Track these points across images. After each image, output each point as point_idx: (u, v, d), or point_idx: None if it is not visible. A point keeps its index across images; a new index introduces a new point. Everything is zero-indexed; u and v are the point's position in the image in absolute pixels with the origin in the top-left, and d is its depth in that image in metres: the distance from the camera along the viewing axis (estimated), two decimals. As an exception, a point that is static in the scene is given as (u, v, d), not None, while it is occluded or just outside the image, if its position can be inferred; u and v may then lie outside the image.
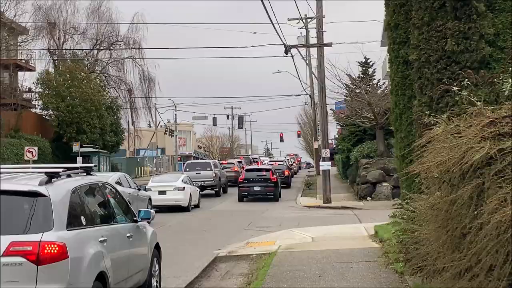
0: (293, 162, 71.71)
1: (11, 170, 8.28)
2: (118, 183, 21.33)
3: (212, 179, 38.29)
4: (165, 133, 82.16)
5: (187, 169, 39.80)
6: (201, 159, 71.90)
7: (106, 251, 7.46)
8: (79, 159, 41.83)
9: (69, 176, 7.80)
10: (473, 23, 10.26)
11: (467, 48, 10.28)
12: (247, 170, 36.19)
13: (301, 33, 53.12)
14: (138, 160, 70.80)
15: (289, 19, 49.34)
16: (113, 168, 49.51)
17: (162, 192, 27.58)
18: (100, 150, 46.95)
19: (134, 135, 66.29)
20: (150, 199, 24.97)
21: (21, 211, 6.77)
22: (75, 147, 43.05)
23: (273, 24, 26.08)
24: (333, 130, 66.36)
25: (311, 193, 37.85)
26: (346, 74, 37.18)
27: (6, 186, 6.89)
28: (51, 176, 7.21)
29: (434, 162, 5.22)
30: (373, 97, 35.09)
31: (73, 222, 7.05)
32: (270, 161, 56.48)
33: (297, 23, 51.81)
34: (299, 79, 52.71)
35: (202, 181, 37.60)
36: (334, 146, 60.18)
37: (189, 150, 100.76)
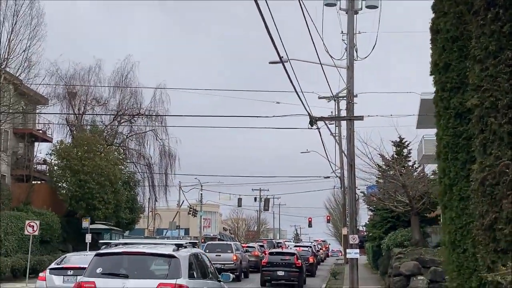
0: (320, 249, 67.71)
1: (153, 241, 15.43)
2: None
3: (232, 262, 36.47)
4: (188, 213, 79.31)
5: (207, 251, 37.75)
6: (226, 241, 68.80)
7: None
8: (88, 236, 39.05)
9: (185, 247, 12.40)
10: (562, 53, 7.16)
11: (553, 89, 7.13)
12: (271, 254, 34.68)
13: (331, 112, 50.86)
14: (158, 240, 67.63)
15: (319, 97, 47.13)
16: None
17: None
18: (112, 228, 44.24)
19: (154, 213, 63.32)
20: None
21: (163, 266, 11.49)
22: (85, 223, 40.41)
23: (297, 94, 23.31)
24: (365, 217, 62.80)
25: (336, 283, 34.19)
26: (379, 154, 34.02)
27: (155, 251, 11.82)
28: (179, 246, 12.09)
29: None
30: (408, 179, 31.75)
31: (191, 274, 11.51)
32: (295, 246, 52.92)
33: (328, 101, 49.67)
34: (328, 160, 49.69)
35: (222, 263, 35.32)
36: (365, 234, 56.44)
37: (213, 231, 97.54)
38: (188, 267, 11.46)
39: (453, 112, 9.21)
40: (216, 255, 36.49)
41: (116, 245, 12.52)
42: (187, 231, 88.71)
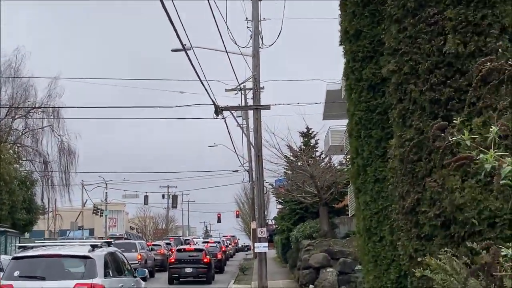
0: (229, 244, 66.92)
1: (70, 242, 17.72)
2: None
3: (137, 262, 35.19)
4: (93, 213, 76.43)
5: (110, 250, 35.61)
6: (131, 240, 66.76)
7: None
8: (-20, 239, 36.36)
9: (101, 247, 13.21)
10: (490, 9, 6.27)
11: (480, 49, 6.23)
12: (179, 251, 34.05)
13: (239, 104, 49.93)
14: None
15: (226, 90, 46.07)
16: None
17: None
18: (8, 229, 41.39)
19: (54, 214, 60.27)
20: None
21: (80, 266, 12.17)
22: (-23, 225, 37.61)
23: (201, 82, 22.12)
24: (274, 211, 62.47)
25: (245, 279, 33.36)
26: (287, 144, 33.35)
27: (71, 252, 12.72)
28: (94, 247, 12.84)
29: None
30: (316, 170, 31.25)
31: (106, 273, 12.32)
32: (203, 242, 51.76)
33: (236, 93, 48.63)
34: (236, 153, 48.38)
35: None
36: (274, 227, 55.94)
37: (120, 231, 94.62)
38: (103, 267, 12.14)
39: (365, 84, 8.22)
40: None
41: (32, 247, 13.28)
42: (92, 232, 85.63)
